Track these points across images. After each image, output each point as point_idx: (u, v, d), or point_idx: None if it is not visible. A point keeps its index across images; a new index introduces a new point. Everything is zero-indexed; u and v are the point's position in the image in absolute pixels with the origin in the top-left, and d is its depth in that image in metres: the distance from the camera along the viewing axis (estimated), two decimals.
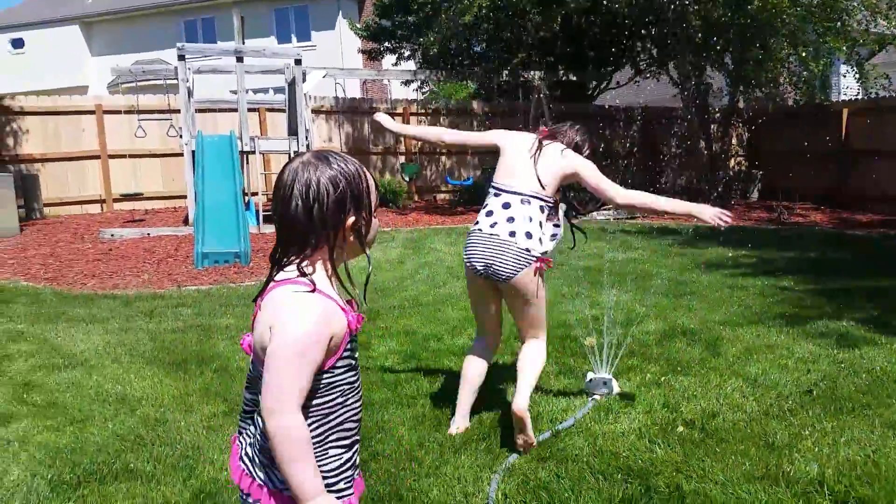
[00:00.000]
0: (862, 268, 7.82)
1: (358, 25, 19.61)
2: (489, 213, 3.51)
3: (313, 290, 1.49)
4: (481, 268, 3.42)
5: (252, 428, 1.58)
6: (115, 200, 13.96)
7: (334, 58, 23.88)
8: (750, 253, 9.01)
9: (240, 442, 1.61)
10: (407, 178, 14.93)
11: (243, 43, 12.97)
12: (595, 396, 3.98)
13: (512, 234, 3.40)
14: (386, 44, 17.63)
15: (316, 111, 14.81)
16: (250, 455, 1.56)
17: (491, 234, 3.43)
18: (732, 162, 16.97)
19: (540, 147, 3.61)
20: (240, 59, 11.50)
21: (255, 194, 12.19)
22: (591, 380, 4.07)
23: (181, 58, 11.29)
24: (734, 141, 16.84)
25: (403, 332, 5.51)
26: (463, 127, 16.10)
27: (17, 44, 28.24)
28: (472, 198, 14.69)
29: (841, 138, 14.47)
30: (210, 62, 14.85)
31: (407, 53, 17.39)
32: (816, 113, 14.52)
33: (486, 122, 16.05)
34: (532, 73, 14.42)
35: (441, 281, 7.59)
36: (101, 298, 6.97)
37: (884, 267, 7.84)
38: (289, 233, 1.54)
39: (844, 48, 12.76)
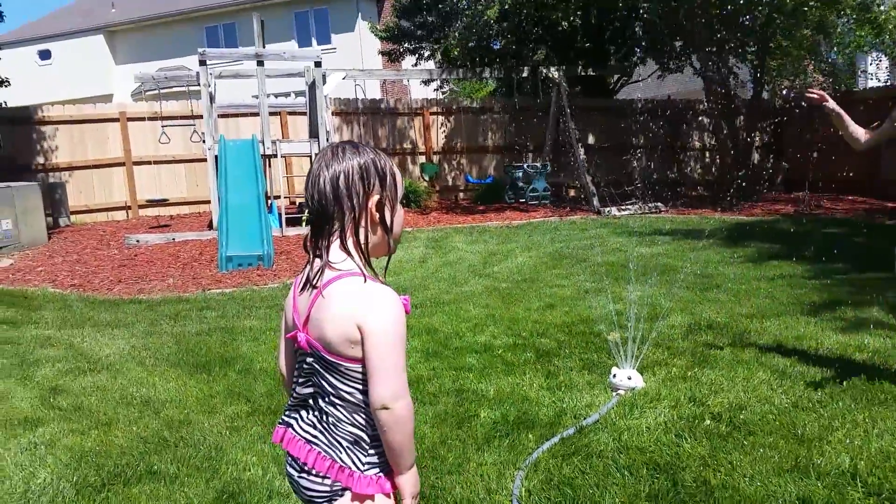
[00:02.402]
0: (892, 257, 7.63)
1: (378, 27, 19.65)
2: None
3: (377, 281, 1.61)
4: None
5: (320, 415, 1.64)
6: (141, 207, 14.12)
7: (354, 60, 23.94)
8: (776, 244, 8.86)
9: (297, 429, 1.67)
10: (427, 178, 14.92)
11: (263, 47, 13.03)
12: (620, 391, 3.93)
13: None
14: (406, 44, 17.63)
15: (336, 113, 14.86)
16: (326, 440, 1.63)
17: None
18: (758, 154, 16.71)
19: None
20: (260, 63, 11.57)
21: (277, 197, 12.25)
22: (615, 375, 4.01)
23: (202, 63, 11.38)
24: (759, 132, 16.58)
25: (425, 330, 5.49)
26: (482, 124, 16.06)
27: (45, 55, 28.72)
28: (493, 197, 14.65)
29: (868, 126, 14.19)
30: (231, 67, 14.99)
31: (427, 53, 17.37)
32: (843, 101, 14.25)
33: (507, 119, 16.00)
34: (552, 69, 14.33)
35: (462, 280, 7.56)
36: (127, 303, 7.04)
37: None
38: (320, 215, 1.61)
39: (871, 35, 12.52)
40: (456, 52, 14.39)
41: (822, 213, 12.21)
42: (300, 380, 1.67)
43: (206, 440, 3.52)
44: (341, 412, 1.62)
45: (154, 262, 9.20)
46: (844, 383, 3.88)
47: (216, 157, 10.87)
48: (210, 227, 11.50)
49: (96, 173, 13.87)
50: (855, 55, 14.20)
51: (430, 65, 17.01)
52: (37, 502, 2.94)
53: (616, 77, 17.14)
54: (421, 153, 15.75)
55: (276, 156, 11.73)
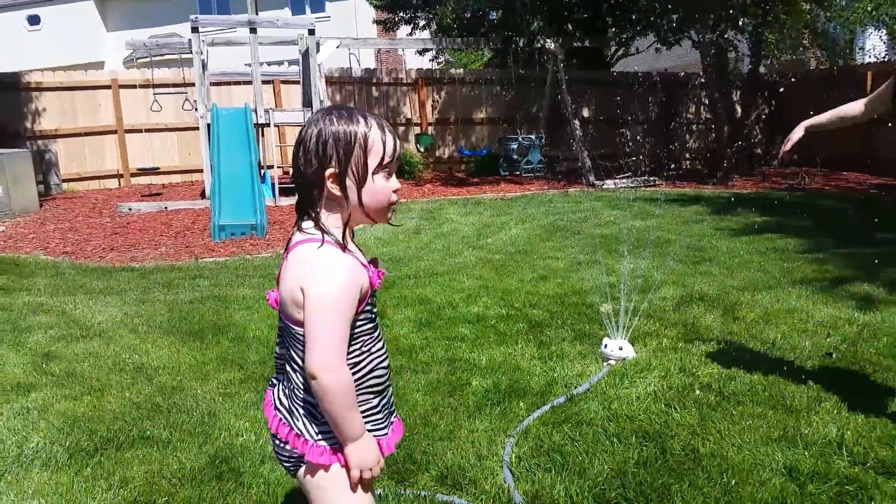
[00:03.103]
0: (885, 232, 7.67)
1: None
2: None
3: (336, 247, 1.58)
4: None
5: (286, 380, 1.66)
6: (133, 175, 14.02)
7: (349, 29, 23.67)
8: (770, 218, 8.88)
9: (273, 393, 1.70)
10: (422, 150, 14.85)
11: (257, 14, 12.86)
12: (611, 361, 3.96)
13: None
14: (401, 14, 17.43)
15: (330, 82, 14.73)
16: (287, 406, 1.65)
17: None
18: (754, 128, 16.67)
19: None
20: (253, 31, 11.43)
21: (270, 167, 12.18)
22: (606, 345, 4.04)
23: (195, 30, 11.23)
24: (756, 106, 16.52)
25: (418, 300, 5.50)
26: (476, 95, 15.94)
27: (34, 20, 28.27)
28: (488, 168, 14.60)
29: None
30: (224, 34, 14.80)
31: (422, 23, 17.18)
32: (840, 76, 14.18)
33: (503, 91, 15.89)
34: (548, 40, 14.20)
35: (456, 251, 7.57)
36: (119, 271, 7.03)
37: None
38: (297, 181, 1.64)
39: (870, 7, 12.43)
40: (450, 21, 14.22)
41: (817, 187, 12.22)
42: (278, 339, 1.70)
43: (198, 406, 3.53)
44: (299, 379, 1.62)
45: (146, 231, 9.16)
46: (834, 356, 3.91)
47: (208, 125, 10.78)
48: (203, 195, 11.44)
49: (88, 141, 13.74)
50: (855, 30, 14.11)
51: (426, 34, 16.85)
52: (30, 466, 2.95)
53: (613, 49, 17.01)
54: (416, 124, 15.65)
55: (269, 125, 11.64)
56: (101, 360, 4.30)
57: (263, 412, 1.73)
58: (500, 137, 15.05)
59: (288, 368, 1.65)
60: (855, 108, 3.48)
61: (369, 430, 1.66)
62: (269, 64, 17.59)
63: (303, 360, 1.57)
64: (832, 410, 3.23)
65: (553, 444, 3.01)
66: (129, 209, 10.63)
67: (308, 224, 1.62)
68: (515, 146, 13.99)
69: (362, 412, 1.64)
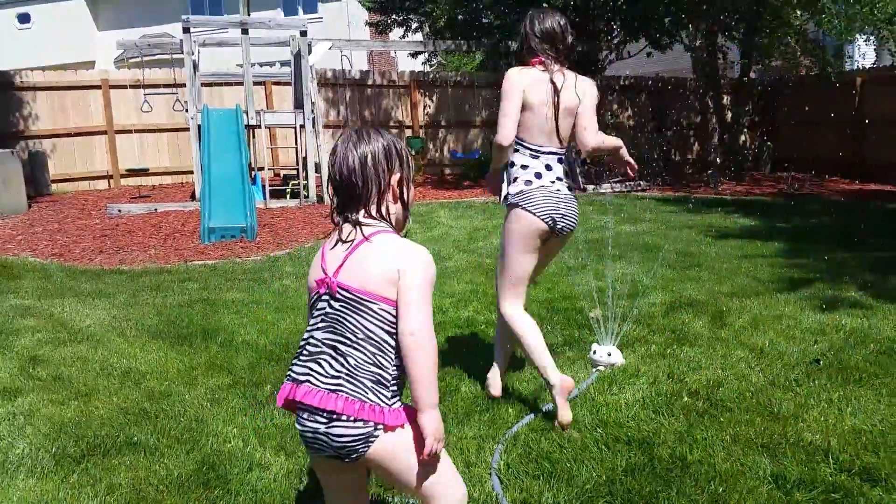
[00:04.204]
0: (873, 238, 7.73)
1: None
2: (541, 174, 3.37)
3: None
4: (562, 224, 3.38)
5: (336, 361, 1.79)
6: (123, 176, 13.97)
7: (341, 30, 23.64)
8: (758, 223, 8.93)
9: (317, 381, 1.80)
10: (413, 153, 14.85)
11: (249, 15, 12.85)
12: (600, 367, 3.96)
13: (570, 189, 3.46)
14: (394, 16, 17.42)
15: (322, 83, 14.71)
16: (351, 385, 1.77)
17: (559, 191, 3.37)
18: (744, 134, 16.76)
19: (557, 95, 3.33)
20: (245, 31, 11.41)
21: (261, 169, 12.16)
22: (595, 351, 4.04)
23: (186, 30, 11.21)
24: (746, 111, 16.62)
25: None
26: (469, 99, 15.95)
27: (24, 19, 28.09)
28: (479, 172, 14.61)
29: (854, 108, 14.24)
30: (216, 35, 14.77)
31: (415, 25, 17.18)
32: (830, 82, 14.28)
33: (495, 94, 15.88)
34: None
35: (447, 255, 7.57)
36: (108, 274, 6.99)
37: (894, 237, 7.76)
38: (349, 189, 1.87)
39: (860, 15, 12.49)
40: (442, 23, 14.23)
41: (806, 193, 12.30)
42: (321, 325, 1.84)
43: (186, 412, 3.52)
44: (364, 353, 1.79)
45: (136, 233, 9.12)
46: (821, 362, 3.93)
47: (199, 126, 10.75)
48: (193, 197, 11.40)
49: (77, 141, 13.68)
50: (844, 39, 14.21)
51: (418, 37, 16.85)
52: (15, 473, 2.93)
53: (604, 54, 17.05)
54: (408, 127, 15.66)
55: (259, 126, 11.62)
56: (89, 364, 4.28)
57: (304, 401, 1.79)
58: (492, 141, 15.05)
59: (344, 349, 1.79)
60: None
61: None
62: (261, 65, 17.55)
63: (380, 336, 1.79)
64: (819, 417, 3.25)
65: (541, 451, 3.02)
66: (119, 211, 10.58)
67: (367, 218, 1.87)
68: None
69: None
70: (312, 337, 1.85)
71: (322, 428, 1.76)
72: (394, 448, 1.78)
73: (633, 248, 7.29)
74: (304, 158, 11.85)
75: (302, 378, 1.82)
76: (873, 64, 15.39)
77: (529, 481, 2.79)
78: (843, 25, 12.62)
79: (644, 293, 5.39)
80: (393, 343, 1.80)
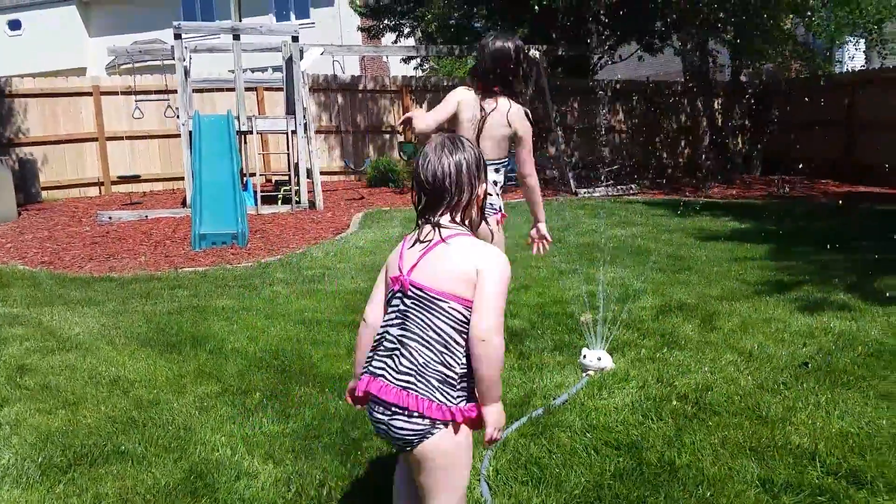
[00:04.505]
0: (862, 240, 7.76)
1: (357, 2, 19.40)
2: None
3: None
4: None
5: (405, 359, 1.88)
6: (114, 183, 13.93)
7: (333, 35, 23.66)
8: (749, 226, 8.96)
9: (389, 379, 1.89)
10: (405, 158, 14.84)
11: (240, 20, 12.85)
12: (589, 372, 3.97)
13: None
14: (385, 21, 17.45)
15: (314, 89, 14.71)
16: (418, 381, 1.86)
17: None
18: (734, 136, 16.82)
19: (484, 118, 3.67)
20: (236, 37, 11.40)
21: (252, 175, 12.14)
22: (585, 355, 4.05)
23: (177, 36, 11.20)
24: (737, 115, 16.68)
25: None
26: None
27: (14, 25, 28.03)
28: None
29: (845, 110, 14.31)
30: (207, 41, 14.76)
31: (407, 31, 17.21)
32: (820, 85, 14.35)
33: None
34: (532, 48, 14.25)
35: None
36: (98, 281, 6.96)
37: (883, 239, 7.79)
38: (438, 192, 1.95)
39: (850, 18, 12.58)
40: (434, 27, 14.26)
41: (796, 196, 12.35)
42: (395, 321, 1.94)
43: (174, 420, 3.50)
44: (432, 351, 1.88)
45: (126, 240, 9.09)
46: (810, 365, 3.95)
47: (190, 132, 10.73)
48: (184, 204, 11.38)
49: (68, 148, 13.65)
50: (833, 42, 14.31)
51: (410, 42, 16.88)
52: (1, 483, 2.91)
53: (597, 58, 17.11)
54: (400, 132, 15.65)
55: (251, 132, 11.61)
56: (77, 372, 4.25)
57: (379, 395, 1.90)
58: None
59: (413, 345, 1.88)
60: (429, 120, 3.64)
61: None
62: (253, 71, 17.53)
63: (449, 334, 1.88)
64: (807, 420, 3.26)
65: (531, 456, 3.02)
66: (109, 218, 10.55)
67: (448, 221, 1.96)
68: None
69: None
70: (388, 333, 1.94)
71: (385, 419, 1.89)
72: (442, 447, 1.88)
73: (624, 252, 7.30)
74: (296, 164, 11.84)
75: (378, 373, 1.93)
76: (863, 66, 15.47)
77: (518, 487, 2.79)
78: (832, 28, 12.71)
79: (634, 297, 5.40)
80: (461, 342, 1.89)
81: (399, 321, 1.93)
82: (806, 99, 14.37)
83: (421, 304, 1.90)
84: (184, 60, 11.36)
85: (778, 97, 15.49)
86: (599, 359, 4.00)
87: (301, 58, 11.89)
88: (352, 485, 2.85)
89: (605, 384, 3.76)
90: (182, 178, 12.23)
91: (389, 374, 1.90)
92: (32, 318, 5.49)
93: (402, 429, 1.87)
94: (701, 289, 5.78)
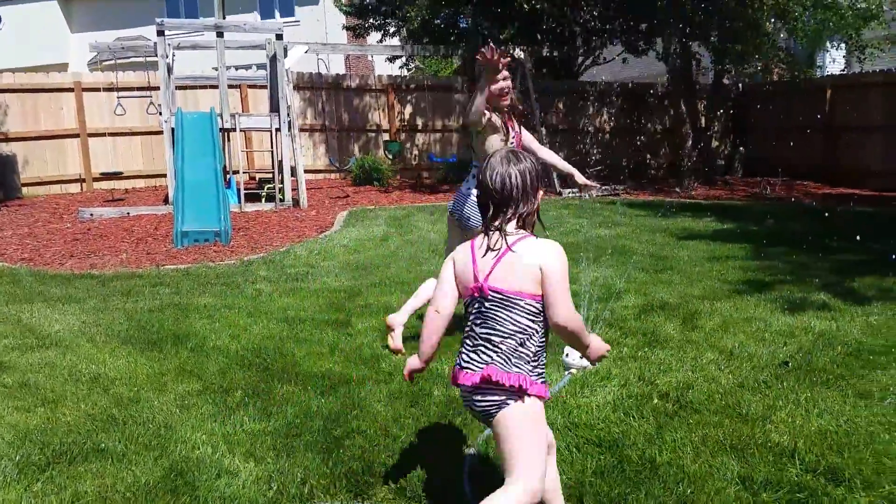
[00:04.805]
0: (842, 242, 7.85)
1: (342, 1, 19.33)
2: None
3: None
4: None
5: (494, 347, 2.17)
6: (96, 179, 13.79)
7: (318, 34, 23.56)
8: (730, 227, 9.04)
9: (472, 368, 2.19)
10: (390, 156, 14.83)
11: (224, 18, 12.77)
12: (572, 370, 3.97)
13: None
14: (371, 20, 17.40)
15: (299, 87, 14.65)
16: (502, 361, 2.15)
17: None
18: (717, 138, 16.95)
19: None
20: (220, 35, 11.33)
21: (236, 172, 12.07)
22: (568, 354, 4.05)
23: (160, 33, 11.11)
24: (719, 116, 16.82)
25: (384, 309, 5.47)
26: (446, 102, 15.98)
27: None
28: (457, 176, 14.62)
29: (825, 114, 14.46)
30: (191, 38, 14.64)
31: (392, 30, 17.18)
32: (801, 88, 14.50)
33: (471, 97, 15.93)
34: (517, 49, 14.29)
35: (423, 258, 7.57)
36: (79, 278, 6.90)
37: (863, 241, 7.88)
38: (505, 204, 2.21)
39: (831, 23, 12.73)
40: (416, 24, 14.23)
41: (777, 197, 12.46)
42: (478, 321, 2.21)
43: (155, 418, 3.48)
44: (514, 340, 2.16)
45: (108, 237, 9.01)
46: (790, 364, 3.99)
47: (173, 129, 10.66)
48: (166, 201, 11.30)
49: (49, 145, 13.50)
50: (814, 46, 14.49)
51: (396, 41, 16.85)
52: None
53: (581, 59, 17.18)
54: (385, 130, 15.64)
55: (235, 130, 11.54)
56: (57, 370, 4.21)
57: (464, 383, 2.21)
58: (468, 145, 15.07)
59: (497, 340, 2.17)
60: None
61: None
62: (237, 68, 17.43)
63: (526, 325, 2.16)
64: (787, 419, 3.29)
65: None
66: (91, 214, 10.45)
67: (512, 227, 2.21)
68: None
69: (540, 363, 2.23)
70: (472, 331, 2.24)
71: (470, 396, 2.20)
72: (517, 415, 2.14)
73: (607, 252, 7.34)
74: (280, 162, 11.79)
75: (465, 365, 2.23)
76: (843, 70, 15.65)
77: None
78: (813, 33, 12.85)
79: (617, 296, 5.43)
80: (537, 328, 2.18)
81: (481, 321, 2.21)
82: (787, 102, 14.53)
83: (500, 304, 2.17)
84: (167, 57, 11.28)
85: (759, 100, 15.63)
86: (582, 357, 4.01)
87: (285, 56, 11.84)
88: (333, 483, 2.84)
89: (588, 382, 3.78)
90: (165, 176, 12.13)
91: (474, 364, 2.19)
92: (12, 316, 5.43)
93: (482, 401, 2.17)
94: (683, 288, 5.82)
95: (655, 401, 3.53)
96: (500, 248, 2.18)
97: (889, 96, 13.08)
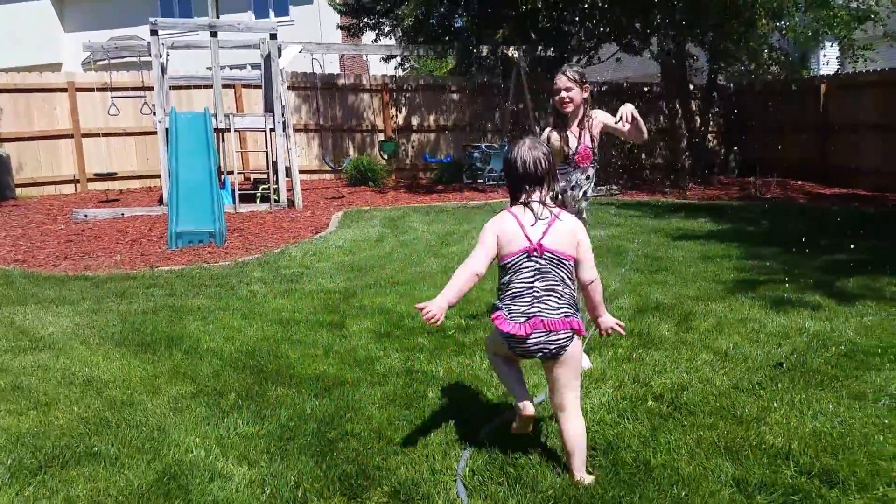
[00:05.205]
0: (835, 241, 7.86)
1: (337, 0, 19.27)
2: None
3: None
4: None
5: (557, 297, 2.77)
6: (90, 180, 13.74)
7: (313, 33, 23.49)
8: (725, 227, 9.05)
9: (548, 314, 2.75)
10: (385, 156, 14.81)
11: (217, 17, 12.72)
12: None
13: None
14: (365, 19, 17.35)
15: (293, 87, 14.62)
16: (567, 308, 2.78)
17: None
18: (711, 138, 16.97)
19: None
20: (214, 34, 11.30)
21: (230, 173, 12.04)
22: None
23: (154, 33, 11.08)
24: (713, 117, 16.83)
25: (378, 310, 5.47)
26: (440, 102, 15.97)
27: None
28: (452, 176, 14.61)
29: (819, 113, 14.48)
30: (185, 38, 14.59)
31: (387, 29, 17.13)
32: (795, 88, 14.51)
33: (467, 98, 15.93)
34: (511, 48, 14.28)
35: (418, 259, 7.56)
36: (73, 280, 6.87)
37: (857, 240, 7.89)
38: (532, 177, 2.81)
39: (824, 21, 12.74)
40: (410, 22, 14.19)
41: (771, 197, 12.48)
42: (537, 277, 2.76)
43: (148, 421, 3.46)
44: (567, 290, 2.79)
45: (102, 238, 8.98)
46: (784, 365, 3.99)
47: (167, 130, 10.62)
48: (160, 202, 11.26)
49: (43, 145, 13.44)
50: (809, 45, 14.50)
51: (390, 41, 16.81)
52: None
53: (576, 59, 17.16)
54: (380, 131, 15.62)
55: (229, 130, 11.51)
56: (50, 373, 4.20)
57: (539, 328, 2.74)
58: (464, 145, 15.07)
59: (559, 289, 2.77)
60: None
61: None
62: (231, 68, 17.38)
63: (568, 278, 2.80)
64: (781, 420, 3.29)
65: (507, 457, 3.01)
66: (85, 216, 10.41)
67: (549, 200, 2.83)
68: (478, 154, 14.02)
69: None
70: (534, 287, 2.76)
71: (544, 339, 2.74)
72: (577, 351, 2.81)
73: (602, 252, 7.33)
74: (275, 162, 11.77)
75: (535, 313, 2.74)
76: (836, 70, 15.68)
77: (494, 487, 2.79)
78: (807, 34, 12.87)
79: (612, 297, 5.43)
80: (572, 282, 2.81)
81: (539, 276, 2.76)
82: (781, 102, 14.55)
83: (554, 263, 2.76)
84: (161, 57, 11.24)
85: (754, 100, 15.65)
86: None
87: (280, 55, 11.81)
88: (327, 486, 2.83)
89: (582, 384, 3.76)
90: (159, 176, 12.09)
91: (546, 311, 2.74)
92: (5, 318, 5.41)
93: (558, 340, 2.73)
94: (677, 289, 5.82)
95: (650, 402, 3.53)
96: (547, 218, 2.78)
97: (884, 96, 13.10)
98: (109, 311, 5.61)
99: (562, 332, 2.72)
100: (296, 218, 10.48)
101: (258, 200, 11.72)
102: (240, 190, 11.35)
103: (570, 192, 4.22)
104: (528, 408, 2.91)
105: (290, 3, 26.30)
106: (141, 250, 8.31)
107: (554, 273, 2.75)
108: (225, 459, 3.04)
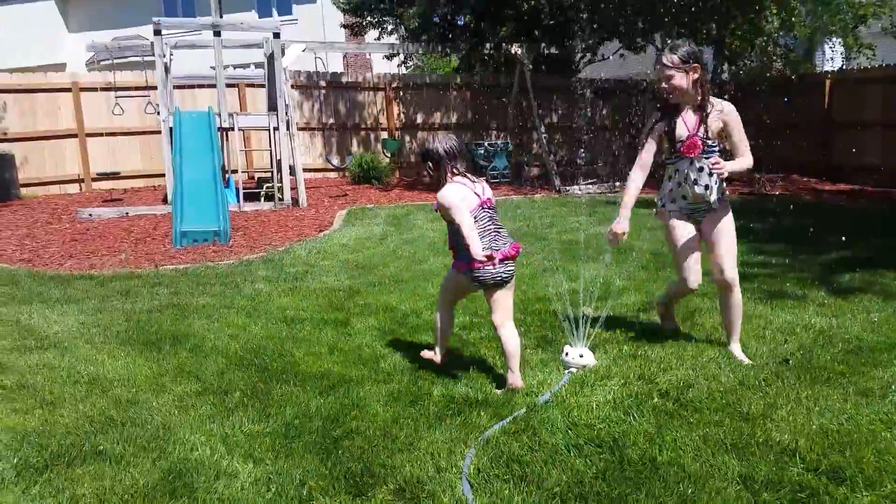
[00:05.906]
0: (841, 238, 7.82)
1: None
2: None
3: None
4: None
5: (506, 235, 3.77)
6: (94, 180, 13.77)
7: (316, 32, 23.48)
8: None
9: (506, 245, 3.74)
10: (389, 154, 14.81)
11: (221, 16, 12.70)
12: (572, 369, 3.97)
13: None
14: (369, 18, 17.34)
15: (296, 86, 14.62)
16: (510, 240, 3.79)
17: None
18: None
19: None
20: (217, 33, 11.30)
21: (234, 172, 12.05)
22: (567, 353, 4.05)
23: (157, 32, 11.08)
24: None
25: (383, 308, 5.47)
26: (444, 100, 15.96)
27: None
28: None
29: (823, 109, 14.42)
30: (188, 37, 14.60)
31: (390, 27, 17.12)
32: (799, 84, 14.45)
33: (470, 96, 15.91)
34: (515, 46, 14.25)
35: (422, 257, 7.55)
36: (77, 279, 6.88)
37: (863, 237, 7.87)
38: (453, 159, 3.76)
39: (827, 17, 12.70)
40: (416, 23, 14.19)
41: (776, 193, 12.44)
42: (493, 221, 3.71)
43: (153, 419, 3.47)
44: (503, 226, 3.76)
45: (106, 237, 8.99)
46: (790, 362, 3.97)
47: (171, 129, 10.63)
48: (165, 201, 11.28)
49: (48, 145, 13.47)
50: (815, 41, 14.45)
51: (394, 39, 16.80)
52: None
53: (579, 56, 17.13)
54: (383, 129, 15.61)
55: (233, 129, 11.52)
56: (55, 371, 4.20)
57: (508, 255, 3.68)
58: (467, 143, 15.06)
59: (503, 230, 3.76)
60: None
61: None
62: (235, 67, 17.39)
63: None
64: (788, 417, 3.27)
65: (512, 454, 3.01)
66: (90, 215, 10.43)
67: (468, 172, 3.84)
68: (482, 152, 14.01)
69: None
70: (493, 226, 3.67)
71: (511, 268, 3.73)
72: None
73: (607, 249, 7.30)
74: (279, 161, 11.77)
75: (501, 245, 3.66)
76: (841, 66, 15.61)
77: (500, 485, 2.79)
78: (812, 29, 12.81)
79: (617, 294, 5.41)
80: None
81: (493, 220, 3.68)
82: (786, 98, 14.49)
83: (494, 210, 3.73)
84: (164, 57, 11.25)
85: (758, 96, 15.58)
86: (581, 356, 4.01)
87: (283, 54, 11.81)
88: (332, 484, 2.83)
89: (587, 381, 3.76)
90: (163, 175, 12.10)
91: (505, 245, 3.67)
92: (10, 317, 5.42)
93: (512, 268, 3.72)
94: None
95: (656, 399, 3.52)
96: (477, 181, 3.76)
97: (889, 92, 13.04)
98: (114, 309, 5.61)
99: (512, 263, 3.69)
100: (300, 216, 10.49)
101: (262, 199, 11.72)
102: (244, 188, 11.36)
103: (695, 190, 4.23)
104: (438, 357, 3.97)
105: (293, 2, 26.29)
106: (145, 249, 8.32)
107: (496, 217, 3.71)
108: (230, 457, 3.04)
